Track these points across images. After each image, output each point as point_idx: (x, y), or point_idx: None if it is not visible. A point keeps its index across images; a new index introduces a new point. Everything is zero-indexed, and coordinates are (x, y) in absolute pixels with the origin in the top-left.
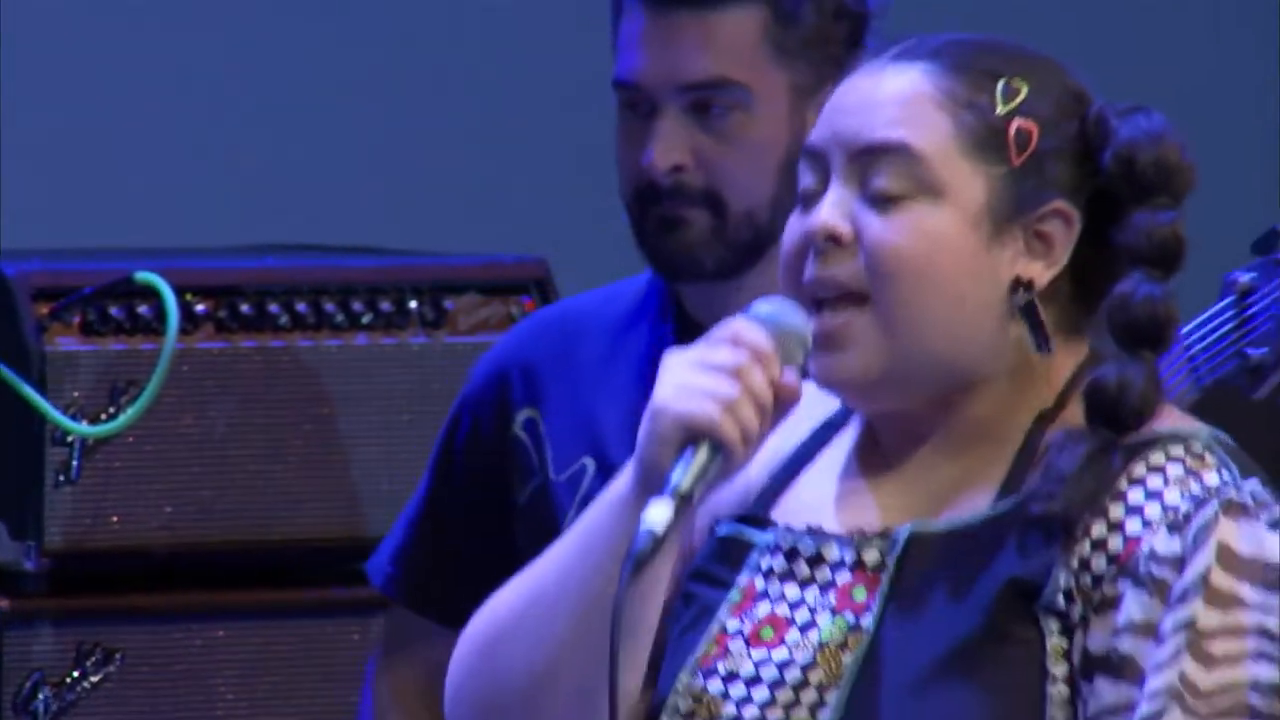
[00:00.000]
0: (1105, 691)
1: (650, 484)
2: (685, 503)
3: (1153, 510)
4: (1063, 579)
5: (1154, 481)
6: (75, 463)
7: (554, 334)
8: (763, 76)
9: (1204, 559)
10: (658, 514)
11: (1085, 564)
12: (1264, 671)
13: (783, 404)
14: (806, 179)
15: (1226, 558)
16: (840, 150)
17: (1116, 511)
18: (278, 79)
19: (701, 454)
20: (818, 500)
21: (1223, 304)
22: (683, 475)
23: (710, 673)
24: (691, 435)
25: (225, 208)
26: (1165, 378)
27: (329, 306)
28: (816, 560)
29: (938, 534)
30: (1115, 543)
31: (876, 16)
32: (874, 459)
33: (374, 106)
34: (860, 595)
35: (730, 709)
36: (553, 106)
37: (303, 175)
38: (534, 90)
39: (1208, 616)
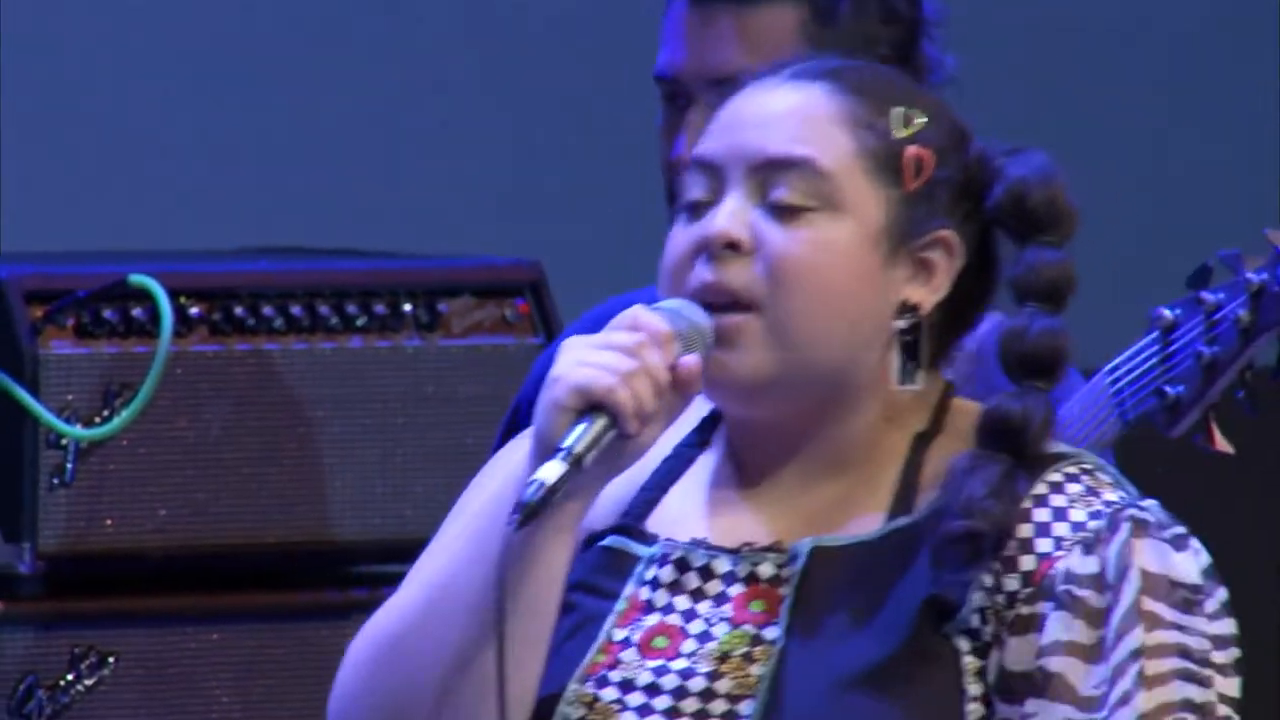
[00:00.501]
0: (1037, 711)
1: (546, 455)
2: (576, 465)
3: (1061, 529)
4: (976, 599)
5: (1057, 500)
6: (69, 466)
7: (601, 328)
8: None
9: (1133, 586)
10: (549, 470)
11: (998, 584)
12: (1193, 692)
13: (681, 388)
14: (696, 190)
15: (1145, 580)
16: (739, 163)
17: (1025, 530)
18: (272, 82)
19: (597, 423)
20: (691, 515)
21: (1147, 339)
22: (577, 439)
23: (602, 681)
24: (587, 405)
25: (219, 211)
26: (1091, 412)
27: (323, 309)
28: (706, 572)
29: (838, 548)
30: (1027, 562)
31: (933, 24)
32: (741, 477)
33: (369, 109)
34: (758, 608)
35: (629, 717)
36: (549, 109)
37: (297, 178)
38: (529, 93)
39: (1144, 640)
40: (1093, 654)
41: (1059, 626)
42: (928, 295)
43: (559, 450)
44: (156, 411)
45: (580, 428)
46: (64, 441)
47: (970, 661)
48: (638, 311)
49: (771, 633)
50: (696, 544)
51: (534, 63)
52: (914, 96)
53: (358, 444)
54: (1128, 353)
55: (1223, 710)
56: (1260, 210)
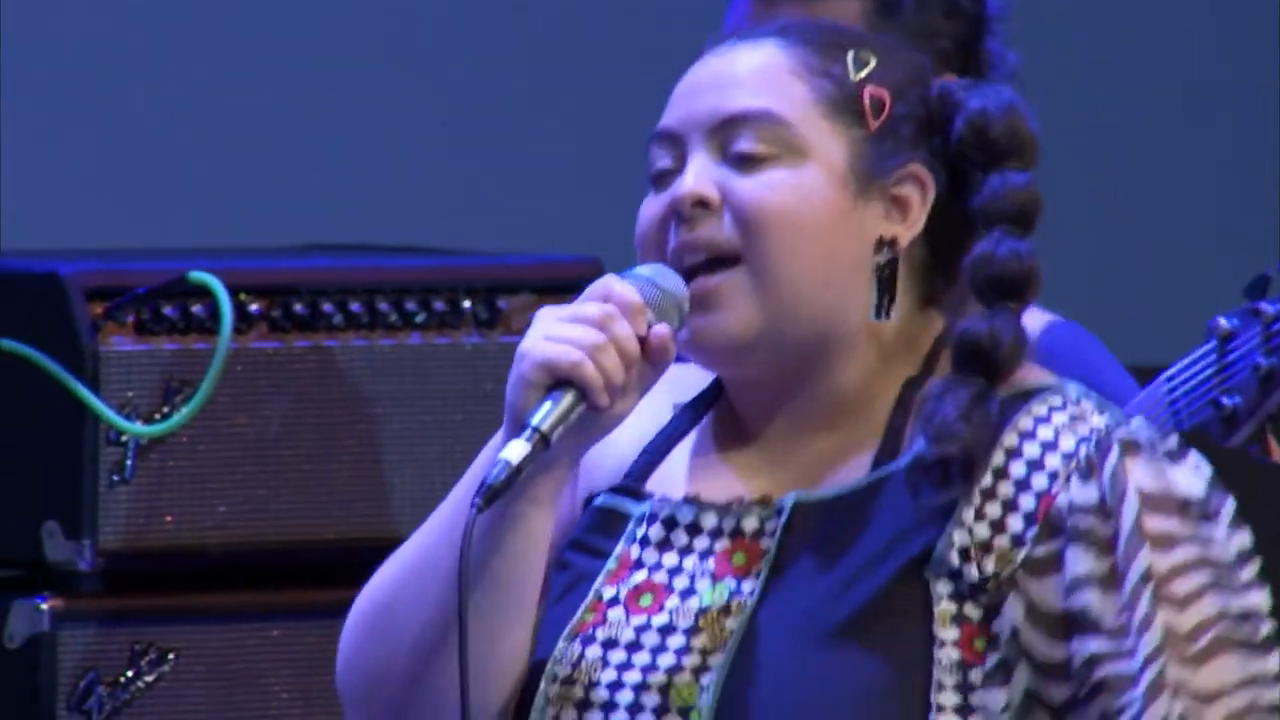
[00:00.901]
0: (1080, 649)
1: (517, 429)
2: (543, 442)
3: (1053, 460)
4: (957, 537)
5: (1044, 432)
6: (129, 462)
7: None
8: None
9: (1131, 508)
10: (514, 449)
11: (998, 525)
12: (1230, 601)
13: (654, 358)
14: (661, 161)
15: (1143, 500)
16: (699, 128)
17: (1018, 468)
18: (332, 80)
19: (565, 398)
20: (691, 472)
21: (1205, 349)
22: (544, 416)
23: (589, 639)
24: (555, 379)
25: (279, 207)
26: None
27: (383, 306)
28: (694, 528)
29: (821, 502)
30: (1027, 501)
31: (997, 19)
32: (739, 433)
33: (428, 106)
34: (740, 561)
35: (610, 674)
36: (606, 105)
37: (357, 175)
38: (587, 89)
39: (1158, 561)
40: (1109, 583)
41: (1075, 562)
42: (904, 230)
43: (525, 428)
44: (216, 408)
45: (547, 405)
46: (124, 438)
47: (947, 606)
48: (609, 281)
49: (749, 586)
50: (687, 501)
51: (595, 58)
52: (864, 40)
53: (417, 441)
54: (1184, 361)
55: (1267, 625)
56: (1260, 210)
